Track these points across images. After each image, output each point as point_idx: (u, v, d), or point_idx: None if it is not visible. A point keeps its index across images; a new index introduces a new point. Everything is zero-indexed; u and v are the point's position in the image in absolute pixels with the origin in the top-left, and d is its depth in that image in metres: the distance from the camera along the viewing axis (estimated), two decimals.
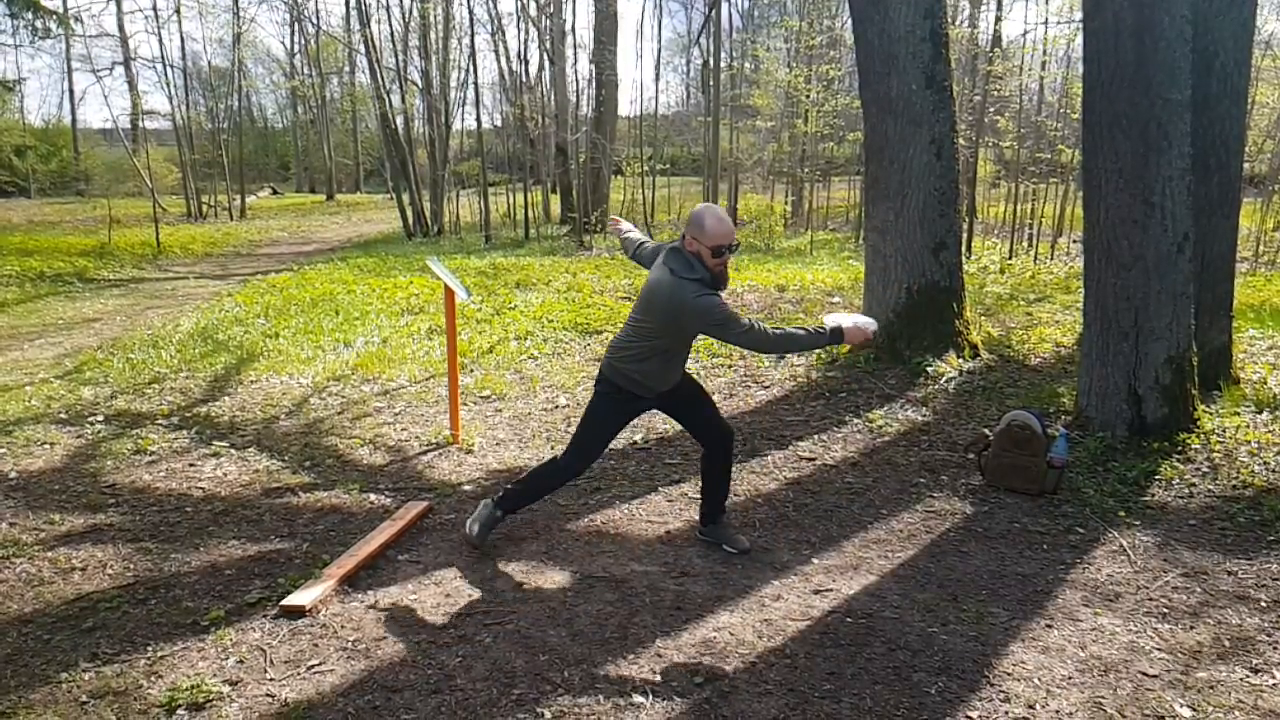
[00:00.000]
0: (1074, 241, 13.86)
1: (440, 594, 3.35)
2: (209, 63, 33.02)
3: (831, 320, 3.27)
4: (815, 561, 3.65)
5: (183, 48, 27.60)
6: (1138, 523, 3.97)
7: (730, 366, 6.65)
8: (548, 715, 2.59)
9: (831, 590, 3.38)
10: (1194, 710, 2.61)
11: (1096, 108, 4.65)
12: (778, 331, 3.21)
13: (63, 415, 5.66)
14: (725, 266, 3.27)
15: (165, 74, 23.92)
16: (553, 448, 5.06)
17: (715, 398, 5.94)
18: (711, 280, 3.24)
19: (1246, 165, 6.71)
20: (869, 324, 3.27)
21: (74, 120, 33.72)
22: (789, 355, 6.25)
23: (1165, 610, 3.22)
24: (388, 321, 8.47)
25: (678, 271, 3.21)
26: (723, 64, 18.95)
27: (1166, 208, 4.50)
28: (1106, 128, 4.59)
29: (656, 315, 3.31)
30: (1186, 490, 4.26)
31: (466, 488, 4.49)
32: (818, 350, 3.37)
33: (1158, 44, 4.39)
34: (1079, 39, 7.54)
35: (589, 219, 16.39)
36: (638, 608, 3.23)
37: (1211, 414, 4.95)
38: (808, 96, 17.06)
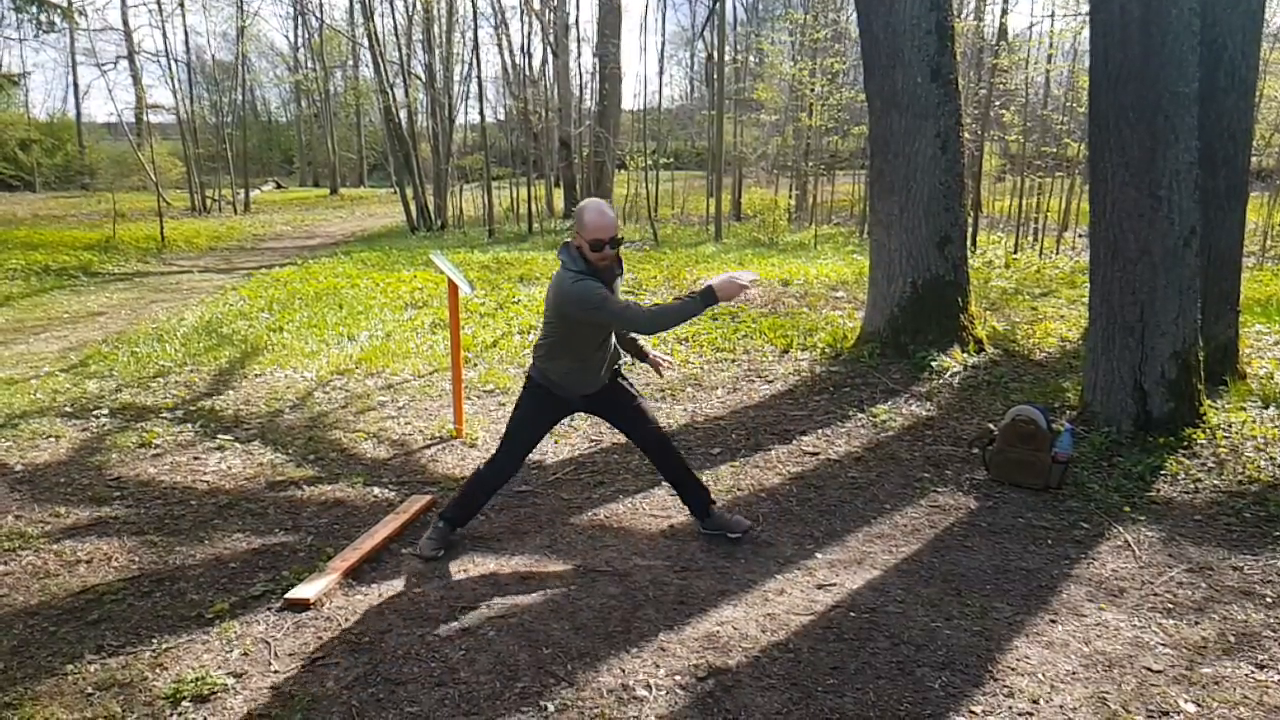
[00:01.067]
0: (1079, 236, 13.82)
1: (444, 587, 3.35)
2: (213, 57, 33.14)
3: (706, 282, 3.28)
4: (819, 556, 3.65)
5: (186, 42, 27.56)
6: (1143, 518, 3.95)
7: (734, 361, 6.64)
8: (551, 708, 2.59)
9: (835, 585, 3.37)
10: (1198, 706, 2.61)
11: (1103, 101, 4.62)
12: (654, 309, 3.28)
13: (68, 409, 5.67)
14: (609, 260, 3.33)
15: (169, 68, 23.91)
16: (555, 442, 5.06)
17: (719, 392, 5.94)
18: (594, 273, 3.30)
19: (1254, 159, 6.67)
20: (743, 275, 3.21)
21: (78, 114, 33.85)
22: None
23: (1170, 606, 3.21)
24: (391, 316, 8.48)
25: (565, 264, 3.33)
26: (727, 57, 18.90)
27: (1173, 201, 4.48)
28: (1113, 121, 4.57)
29: (550, 308, 3.42)
30: (1192, 485, 4.25)
31: None
32: (696, 316, 3.44)
33: (1165, 37, 4.36)
34: (1085, 32, 7.50)
35: None
36: (641, 602, 3.23)
37: (1217, 409, 4.93)
38: (812, 90, 17.00)
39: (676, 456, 3.68)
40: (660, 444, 3.65)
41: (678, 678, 2.75)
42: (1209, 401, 4.88)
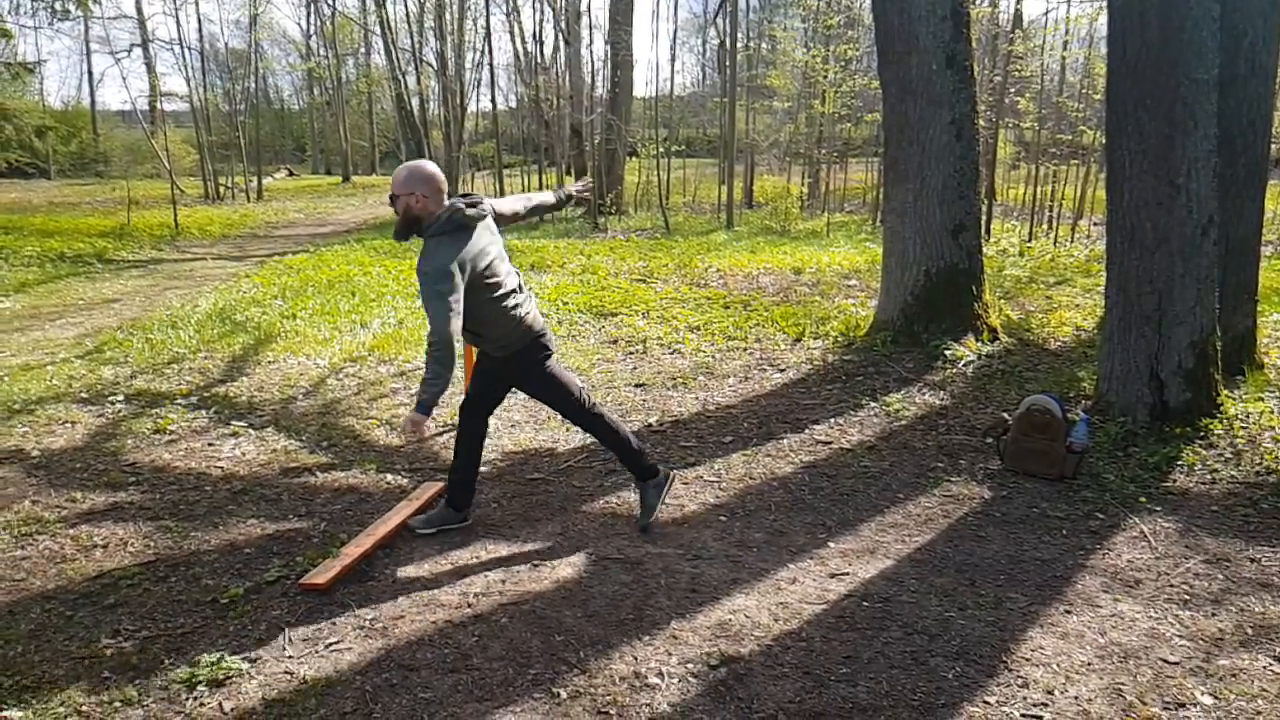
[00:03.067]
0: (1095, 224, 13.70)
1: (457, 574, 3.36)
2: (226, 44, 33.12)
3: None
4: (831, 545, 3.64)
5: (200, 29, 27.67)
6: (1159, 508, 3.93)
7: (746, 349, 6.63)
8: (563, 695, 2.60)
9: (848, 574, 3.37)
10: (1215, 698, 2.59)
11: (1121, 88, 4.57)
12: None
13: (83, 394, 5.71)
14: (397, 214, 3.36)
15: (183, 56, 24.05)
16: (567, 430, 5.06)
17: (730, 381, 5.93)
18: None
19: (1274, 146, 6.59)
20: None
21: (93, 102, 34.00)
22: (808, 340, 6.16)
23: (1186, 597, 3.19)
24: (404, 303, 8.49)
25: None
26: (739, 44, 18.77)
27: (1192, 190, 4.43)
28: (1131, 108, 4.51)
29: None
30: (1209, 476, 4.21)
31: (482, 468, 4.48)
32: None
33: (1184, 22, 4.30)
34: (1102, 18, 7.41)
35: (604, 201, 16.34)
36: (653, 590, 3.23)
37: (1235, 399, 4.89)
38: (825, 77, 16.88)
39: (587, 426, 3.77)
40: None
41: (690, 666, 2.75)
42: (1226, 392, 4.83)
